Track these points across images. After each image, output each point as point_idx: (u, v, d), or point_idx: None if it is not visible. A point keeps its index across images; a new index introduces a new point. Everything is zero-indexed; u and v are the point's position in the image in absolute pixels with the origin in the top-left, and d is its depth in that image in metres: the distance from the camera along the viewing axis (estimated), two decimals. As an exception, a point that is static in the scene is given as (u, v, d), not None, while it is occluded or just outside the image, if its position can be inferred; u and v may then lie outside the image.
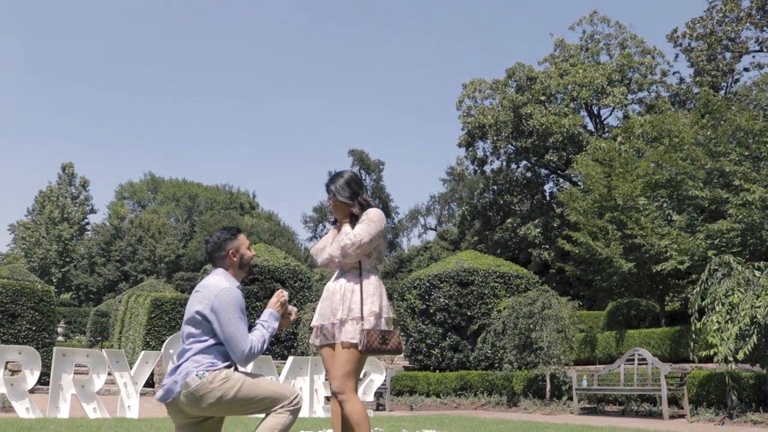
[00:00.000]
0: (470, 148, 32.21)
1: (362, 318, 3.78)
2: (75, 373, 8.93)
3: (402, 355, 18.09)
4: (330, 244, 4.02)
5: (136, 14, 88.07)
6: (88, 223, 55.38)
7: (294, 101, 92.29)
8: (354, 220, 3.97)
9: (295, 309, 3.84)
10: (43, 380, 12.16)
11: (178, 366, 3.44)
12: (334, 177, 4.06)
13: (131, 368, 9.33)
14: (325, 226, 56.89)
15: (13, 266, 30.35)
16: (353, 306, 3.81)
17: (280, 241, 49.25)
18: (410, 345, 16.02)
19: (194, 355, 3.42)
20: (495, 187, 32.65)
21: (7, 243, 55.12)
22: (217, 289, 3.50)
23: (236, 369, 3.50)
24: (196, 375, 3.34)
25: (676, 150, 15.03)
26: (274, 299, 3.75)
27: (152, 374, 14.17)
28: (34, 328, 15.02)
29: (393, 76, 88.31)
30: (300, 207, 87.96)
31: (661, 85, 30.21)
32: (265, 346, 3.54)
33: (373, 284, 3.89)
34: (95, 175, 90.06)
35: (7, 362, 8.73)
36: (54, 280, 48.79)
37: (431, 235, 51.64)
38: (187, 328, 3.53)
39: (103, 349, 10.13)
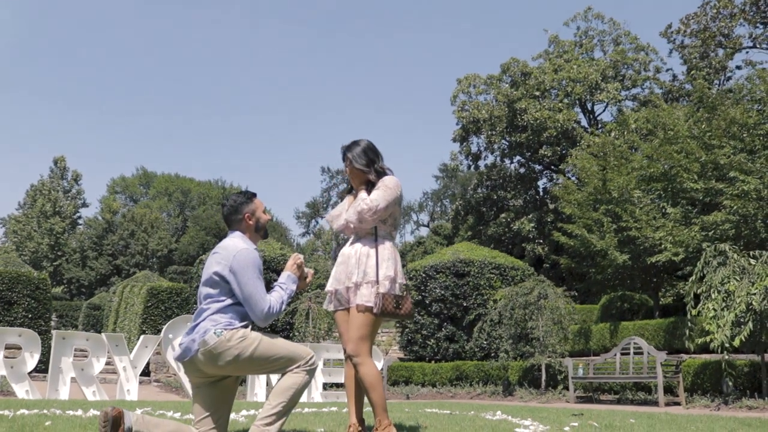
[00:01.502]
0: (464, 143, 32.31)
1: (377, 282, 3.83)
2: (74, 357, 8.93)
3: (397, 346, 18.14)
4: (346, 211, 4.07)
5: (127, 9, 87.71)
6: (80, 217, 55.16)
7: (286, 96, 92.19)
8: (370, 187, 4.03)
9: (312, 271, 3.89)
10: (39, 368, 12.15)
11: (196, 325, 3.48)
12: (350, 145, 4.12)
13: (130, 352, 9.33)
14: (318, 222, 56.91)
15: (7, 257, 30.20)
16: (368, 270, 3.87)
17: (273, 236, 49.19)
18: (406, 336, 16.08)
19: (212, 314, 3.46)
20: (489, 183, 32.76)
21: (-2, 237, 54.63)
22: (235, 250, 3.54)
23: (253, 329, 3.54)
24: (214, 333, 3.38)
25: (671, 143, 15.13)
26: (290, 262, 3.80)
27: (148, 363, 14.20)
28: (30, 315, 15.02)
29: (386, 73, 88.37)
30: (293, 203, 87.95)
31: (654, 81, 30.39)
32: (283, 307, 3.58)
33: (388, 249, 3.95)
34: (87, 169, 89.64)
35: (6, 345, 8.72)
36: (46, 274, 48.59)
37: (424, 232, 51.75)
38: (204, 289, 3.57)
39: (102, 333, 10.12)
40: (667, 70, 31.27)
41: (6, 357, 8.46)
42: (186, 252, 51.30)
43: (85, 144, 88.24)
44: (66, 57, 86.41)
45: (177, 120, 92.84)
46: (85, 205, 55.32)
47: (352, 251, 3.98)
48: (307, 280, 3.87)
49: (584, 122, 31.74)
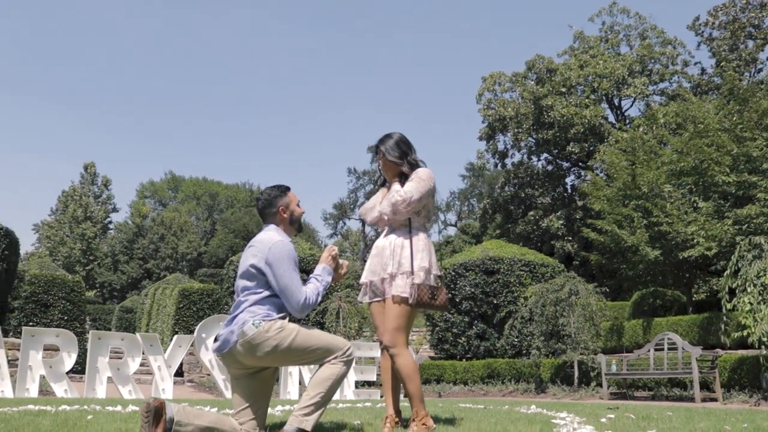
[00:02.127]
0: (491, 141, 32.17)
1: (412, 273, 3.84)
2: (110, 357, 9.06)
3: (428, 345, 18.12)
4: (380, 203, 4.09)
5: (155, 15, 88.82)
6: (110, 222, 55.95)
7: (312, 98, 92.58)
8: (403, 179, 4.04)
9: (347, 262, 3.92)
10: (76, 368, 12.36)
11: (234, 317, 3.52)
12: (383, 138, 4.14)
13: (165, 352, 9.44)
14: (345, 223, 57.04)
15: (41, 261, 30.74)
16: (403, 261, 3.88)
17: (302, 236, 49.45)
18: (436, 334, 16.05)
19: (250, 306, 3.50)
20: (516, 181, 32.57)
21: (32, 242, 55.62)
22: (270, 242, 3.58)
23: (290, 320, 3.57)
24: (253, 324, 3.42)
25: (701, 137, 14.92)
26: (325, 254, 3.83)
27: (182, 364, 14.36)
28: (65, 317, 15.30)
29: (411, 72, 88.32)
30: (320, 204, 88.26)
31: (682, 75, 29.98)
32: (319, 299, 3.61)
33: (422, 241, 3.96)
34: (117, 174, 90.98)
35: (44, 345, 8.87)
36: (80, 277, 49.32)
37: (452, 231, 51.63)
38: (241, 282, 3.61)
39: (137, 333, 10.26)
40: (696, 63, 30.88)
41: (44, 357, 8.62)
42: (215, 255, 51.77)
43: (114, 149, 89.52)
44: (94, 64, 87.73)
45: (204, 123, 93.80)
46: (115, 210, 56.11)
47: (387, 243, 3.99)
48: (342, 271, 3.90)
49: (611, 118, 31.42)
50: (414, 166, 4.08)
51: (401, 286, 3.84)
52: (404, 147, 4.09)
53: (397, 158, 4.05)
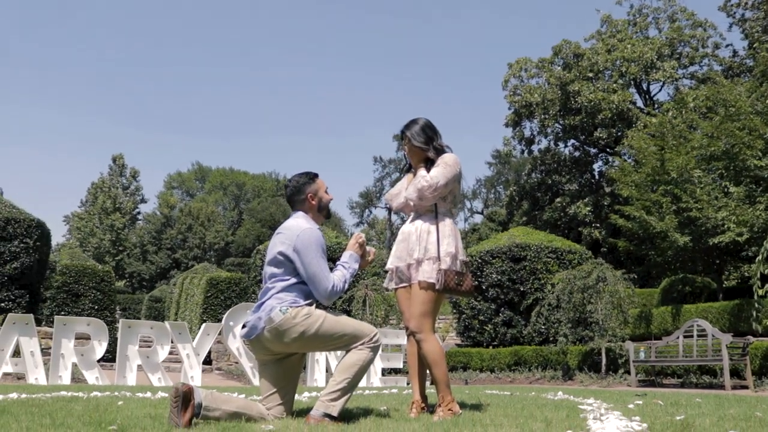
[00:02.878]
0: (517, 128, 31.95)
1: (439, 258, 3.83)
2: (140, 346, 9.19)
3: (454, 333, 18.12)
4: (405, 189, 4.08)
5: (183, 6, 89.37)
6: (139, 213, 56.64)
7: (336, 87, 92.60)
8: (429, 165, 4.02)
9: (374, 249, 3.92)
10: (107, 357, 12.55)
11: (261, 303, 3.54)
12: (409, 123, 4.12)
13: (193, 340, 9.55)
14: (371, 212, 57.09)
15: (72, 252, 31.25)
16: (429, 246, 3.87)
17: (329, 225, 49.65)
18: (463, 321, 16.03)
19: (277, 293, 3.52)
20: (543, 167, 32.33)
21: (62, 234, 56.53)
22: (298, 229, 3.59)
23: (317, 307, 3.58)
24: (280, 310, 3.44)
25: (732, 120, 14.64)
26: (352, 241, 3.83)
27: (210, 352, 14.51)
28: (96, 307, 15.53)
29: (436, 60, 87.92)
30: (346, 193, 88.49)
31: (713, 58, 29.43)
32: (346, 286, 3.62)
33: (448, 226, 3.95)
34: (144, 165, 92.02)
35: (76, 334, 9.02)
36: (110, 267, 50.03)
37: (478, 219, 51.42)
38: (269, 269, 3.63)
39: (166, 321, 10.38)
40: (727, 45, 30.24)
41: (76, 346, 8.76)
42: (242, 244, 52.20)
43: (142, 141, 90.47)
44: (121, 57, 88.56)
45: (229, 114, 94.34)
46: (143, 201, 56.76)
47: (413, 228, 3.98)
48: (369, 258, 3.90)
49: (640, 103, 30.99)
50: (440, 151, 4.05)
51: (428, 271, 3.83)
52: (430, 132, 4.07)
53: (422, 143, 4.03)
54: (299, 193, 3.76)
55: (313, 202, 3.78)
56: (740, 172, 14.52)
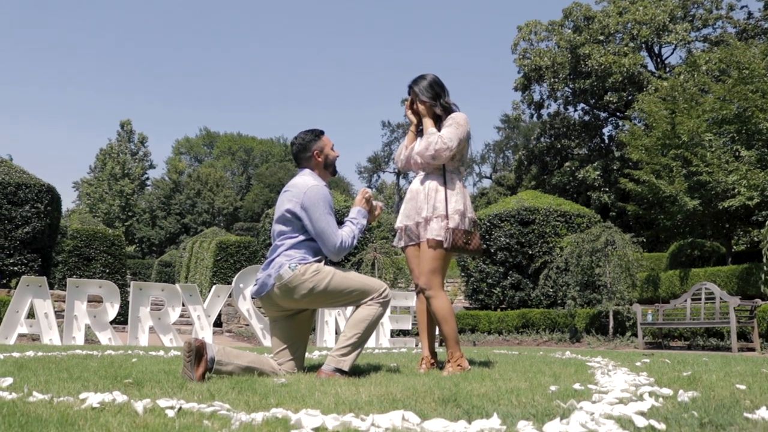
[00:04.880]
0: (526, 92, 31.65)
1: (447, 216, 3.84)
2: (151, 308, 9.30)
3: (462, 296, 18.21)
4: (407, 148, 4.07)
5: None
6: (147, 179, 56.68)
7: (342, 50, 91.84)
8: (437, 122, 4.01)
9: (381, 204, 3.94)
10: (119, 319, 12.72)
11: (271, 261, 3.57)
12: (417, 79, 4.10)
13: (203, 302, 9.64)
14: (380, 176, 57.05)
15: (82, 218, 31.41)
16: (438, 204, 3.87)
17: (336, 190, 49.71)
18: (471, 284, 16.10)
19: (286, 250, 3.55)
20: (552, 131, 32.10)
21: (72, 200, 56.72)
22: (305, 186, 3.60)
23: (326, 263, 3.61)
24: (289, 267, 3.47)
25: (746, 83, 14.46)
26: (359, 197, 3.84)
27: (220, 314, 14.67)
28: (107, 270, 15.69)
29: (444, 24, 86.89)
30: (354, 158, 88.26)
31: (727, 20, 28.93)
32: (355, 242, 3.64)
33: (456, 184, 3.94)
34: (152, 131, 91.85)
35: (88, 297, 9.13)
36: (120, 231, 50.31)
37: (487, 183, 51.30)
38: (277, 227, 3.65)
39: (176, 284, 10.48)
40: (742, 7, 29.66)
41: (89, 308, 8.87)
42: (251, 209, 52.34)
43: (149, 107, 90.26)
44: (127, 22, 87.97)
45: (236, 79, 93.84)
46: (152, 166, 56.75)
47: (421, 187, 3.98)
48: (376, 213, 3.92)
49: (651, 66, 30.59)
50: (447, 109, 4.03)
51: (436, 229, 3.84)
52: (437, 89, 4.05)
53: (430, 99, 4.01)
54: (305, 150, 3.76)
55: (320, 159, 3.78)
56: (752, 136, 14.39)
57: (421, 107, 4.03)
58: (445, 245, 3.77)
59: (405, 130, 50.33)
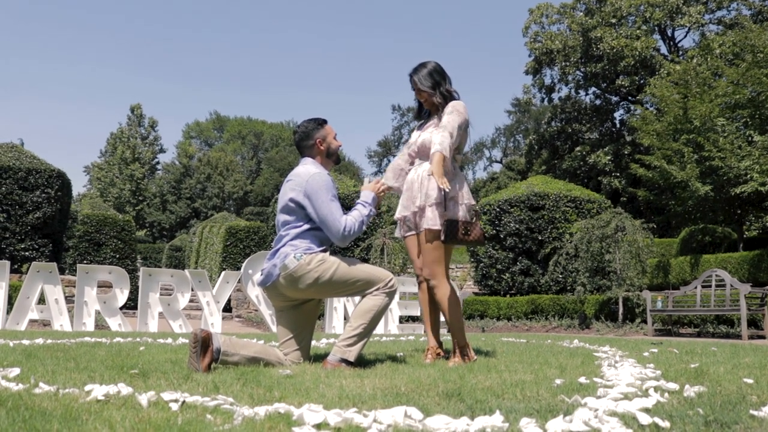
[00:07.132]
0: (537, 76, 31.45)
1: (441, 203, 3.80)
2: (160, 294, 9.34)
3: (472, 281, 18.20)
4: (408, 146, 4.05)
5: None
6: (158, 163, 56.83)
7: (353, 34, 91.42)
8: (436, 110, 3.98)
9: (387, 184, 3.94)
10: (129, 305, 12.80)
11: (276, 251, 3.57)
12: (417, 67, 4.06)
13: (213, 288, 9.68)
14: (389, 160, 56.94)
15: (93, 202, 31.59)
16: (431, 192, 3.82)
17: (346, 175, 49.65)
18: (480, 270, 16.08)
19: (291, 239, 3.54)
20: (563, 116, 31.91)
21: (83, 184, 57.03)
22: (307, 175, 3.60)
23: (332, 253, 3.60)
24: (294, 257, 3.47)
25: (760, 67, 14.27)
26: (373, 184, 3.83)
27: (230, 300, 14.74)
28: (117, 255, 15.78)
29: (455, 6, 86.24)
30: (364, 142, 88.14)
31: (742, 2, 28.55)
32: (363, 227, 3.63)
33: (450, 171, 3.87)
34: (163, 115, 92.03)
35: (98, 282, 9.18)
36: (130, 216, 50.53)
37: (497, 168, 51.11)
38: (281, 216, 3.65)
39: (186, 269, 10.52)
40: (758, -12, 29.30)
41: (99, 294, 8.93)
42: (261, 193, 52.43)
43: (160, 91, 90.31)
44: (137, 6, 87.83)
45: (247, 63, 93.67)
46: (162, 150, 56.88)
47: (415, 176, 3.94)
48: (382, 194, 3.92)
49: (664, 49, 30.29)
50: (447, 97, 3.98)
51: (431, 218, 3.79)
52: (437, 77, 4.00)
53: (429, 88, 3.97)
54: (307, 138, 3.76)
55: (322, 148, 3.77)
56: (765, 121, 14.23)
57: (421, 95, 4.01)
58: (442, 239, 3.73)
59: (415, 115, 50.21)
